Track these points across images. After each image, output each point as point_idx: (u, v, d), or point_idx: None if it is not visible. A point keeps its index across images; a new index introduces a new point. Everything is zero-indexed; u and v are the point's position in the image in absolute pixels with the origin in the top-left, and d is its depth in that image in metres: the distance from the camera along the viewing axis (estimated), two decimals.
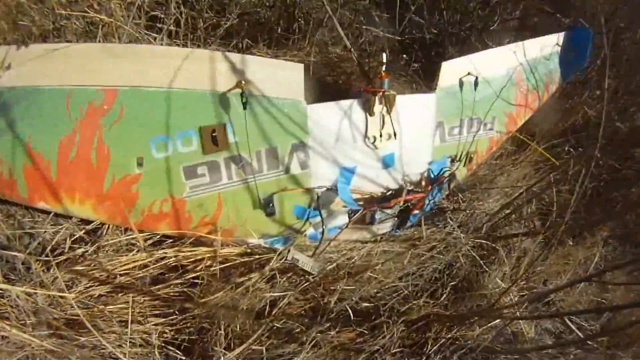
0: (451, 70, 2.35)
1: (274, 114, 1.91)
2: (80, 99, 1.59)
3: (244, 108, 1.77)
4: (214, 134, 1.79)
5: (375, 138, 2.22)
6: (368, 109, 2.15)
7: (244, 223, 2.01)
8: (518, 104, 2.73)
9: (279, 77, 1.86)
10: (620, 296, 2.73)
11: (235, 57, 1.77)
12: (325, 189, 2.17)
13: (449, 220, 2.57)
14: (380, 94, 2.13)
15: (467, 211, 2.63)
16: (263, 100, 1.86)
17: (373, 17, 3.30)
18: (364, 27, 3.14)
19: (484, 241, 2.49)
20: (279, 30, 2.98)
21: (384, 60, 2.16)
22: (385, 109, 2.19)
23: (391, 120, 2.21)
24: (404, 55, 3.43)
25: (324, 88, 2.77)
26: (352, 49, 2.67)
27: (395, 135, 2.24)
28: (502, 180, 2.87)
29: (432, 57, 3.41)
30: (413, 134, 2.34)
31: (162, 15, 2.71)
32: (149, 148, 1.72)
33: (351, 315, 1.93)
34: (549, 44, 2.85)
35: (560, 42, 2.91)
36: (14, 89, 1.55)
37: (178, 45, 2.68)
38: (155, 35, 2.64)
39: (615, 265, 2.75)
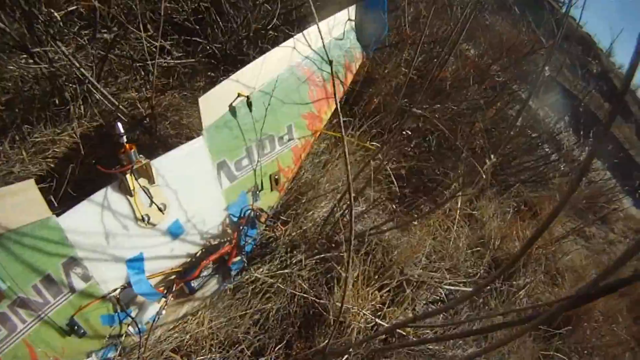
0: (214, 102, 2.03)
1: (29, 243, 1.62)
2: None
3: None
4: None
5: (148, 216, 1.92)
6: (125, 190, 1.83)
7: (63, 353, 1.81)
8: (316, 99, 2.46)
9: (14, 204, 1.57)
10: None
11: None
12: (119, 289, 1.91)
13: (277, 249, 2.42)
14: (129, 169, 1.79)
15: (291, 234, 2.45)
16: (11, 236, 1.58)
17: None
18: None
19: (317, 257, 2.36)
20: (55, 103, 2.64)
21: (121, 131, 1.77)
22: (144, 181, 1.87)
23: (149, 192, 1.89)
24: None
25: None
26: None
27: (164, 207, 1.96)
28: (323, 182, 2.68)
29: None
30: (192, 189, 2.06)
31: None
32: None
33: None
34: (338, 23, 2.57)
35: (353, 16, 2.62)
36: None
37: None
38: None
39: None
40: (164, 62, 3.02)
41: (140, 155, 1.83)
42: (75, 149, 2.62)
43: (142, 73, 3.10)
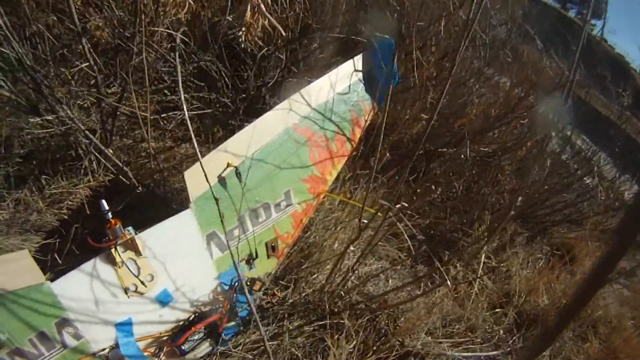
0: (201, 174, 1.98)
1: (25, 303, 1.79)
2: None
3: None
4: None
5: (135, 285, 1.97)
6: (113, 261, 1.90)
7: None
8: (318, 160, 2.37)
9: (11, 270, 1.73)
10: None
11: None
12: (108, 349, 1.97)
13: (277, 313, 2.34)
14: (114, 245, 1.87)
15: (291, 299, 2.36)
16: (10, 296, 1.74)
17: None
18: None
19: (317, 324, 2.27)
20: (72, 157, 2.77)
21: (105, 207, 1.88)
22: (132, 253, 1.92)
23: (137, 264, 1.95)
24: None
25: None
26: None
27: (152, 277, 1.98)
28: (327, 246, 2.57)
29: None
30: (181, 259, 2.06)
31: None
32: None
33: None
34: (343, 76, 2.47)
35: (360, 66, 2.53)
36: None
37: None
38: None
39: None
40: (179, 115, 3.06)
41: (128, 229, 1.92)
42: (89, 201, 2.70)
43: (162, 123, 3.16)
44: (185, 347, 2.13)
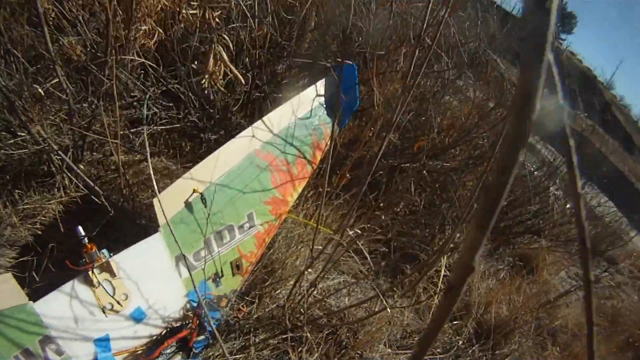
0: (171, 201, 2.16)
1: (10, 322, 1.89)
2: None
3: None
4: None
5: (111, 304, 2.12)
6: (90, 282, 2.06)
7: None
8: (280, 184, 2.54)
9: None
10: None
11: None
12: None
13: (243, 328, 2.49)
14: (90, 269, 2.02)
15: (256, 314, 2.52)
16: None
17: None
18: None
19: (280, 337, 2.43)
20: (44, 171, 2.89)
21: (81, 233, 2.04)
22: (108, 274, 2.08)
23: (115, 287, 2.11)
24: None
25: None
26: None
27: (126, 296, 2.14)
28: (289, 263, 2.73)
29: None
30: (153, 280, 2.22)
31: None
32: None
33: None
34: (304, 102, 2.64)
35: (322, 91, 2.69)
36: None
37: None
38: None
39: None
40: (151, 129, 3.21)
41: (102, 252, 2.08)
42: (62, 218, 2.81)
43: (131, 137, 3.30)
44: None
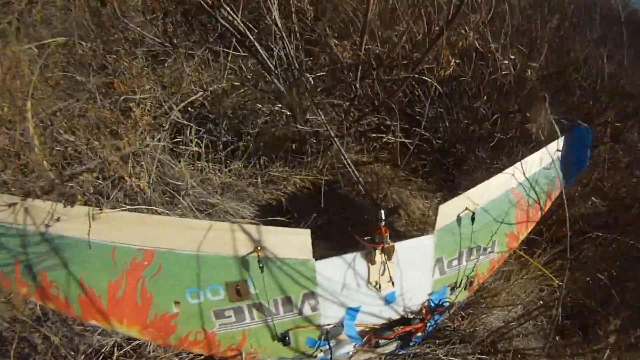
0: (448, 211, 2.48)
1: (287, 271, 2.19)
2: (124, 255, 1.91)
3: (262, 271, 2.07)
4: (237, 288, 2.12)
5: (377, 282, 2.42)
6: (370, 259, 2.35)
7: (264, 350, 2.36)
8: (520, 221, 2.81)
9: (289, 241, 2.14)
10: None
11: (251, 228, 2.05)
12: (332, 325, 2.43)
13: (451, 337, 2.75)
14: (380, 248, 2.30)
15: (467, 329, 2.77)
16: (277, 261, 2.14)
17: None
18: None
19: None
20: (293, 149, 3.20)
21: (382, 217, 2.32)
22: (385, 257, 2.36)
23: (389, 269, 2.39)
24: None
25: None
26: (361, 183, 2.82)
27: (393, 283, 2.43)
28: (503, 296, 2.97)
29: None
30: (413, 273, 2.50)
31: (184, 140, 3.00)
32: (185, 295, 2.05)
33: None
34: (549, 153, 2.90)
35: (561, 147, 2.96)
36: (63, 237, 1.85)
37: (200, 167, 3.02)
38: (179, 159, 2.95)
39: None
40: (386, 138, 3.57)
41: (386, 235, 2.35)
42: (307, 192, 3.22)
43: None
44: (382, 342, 2.59)
